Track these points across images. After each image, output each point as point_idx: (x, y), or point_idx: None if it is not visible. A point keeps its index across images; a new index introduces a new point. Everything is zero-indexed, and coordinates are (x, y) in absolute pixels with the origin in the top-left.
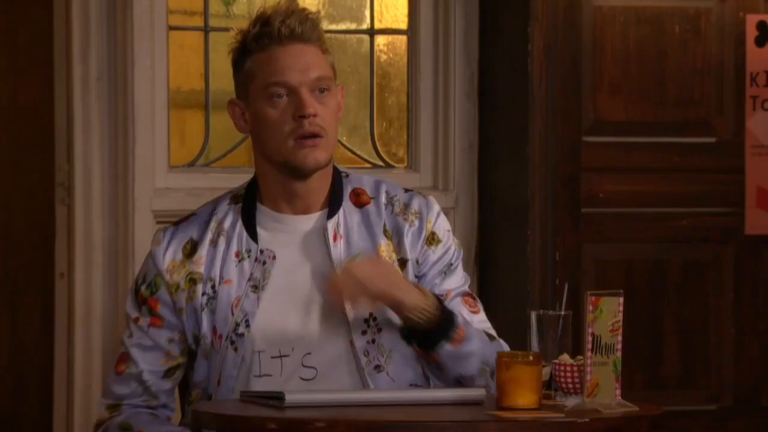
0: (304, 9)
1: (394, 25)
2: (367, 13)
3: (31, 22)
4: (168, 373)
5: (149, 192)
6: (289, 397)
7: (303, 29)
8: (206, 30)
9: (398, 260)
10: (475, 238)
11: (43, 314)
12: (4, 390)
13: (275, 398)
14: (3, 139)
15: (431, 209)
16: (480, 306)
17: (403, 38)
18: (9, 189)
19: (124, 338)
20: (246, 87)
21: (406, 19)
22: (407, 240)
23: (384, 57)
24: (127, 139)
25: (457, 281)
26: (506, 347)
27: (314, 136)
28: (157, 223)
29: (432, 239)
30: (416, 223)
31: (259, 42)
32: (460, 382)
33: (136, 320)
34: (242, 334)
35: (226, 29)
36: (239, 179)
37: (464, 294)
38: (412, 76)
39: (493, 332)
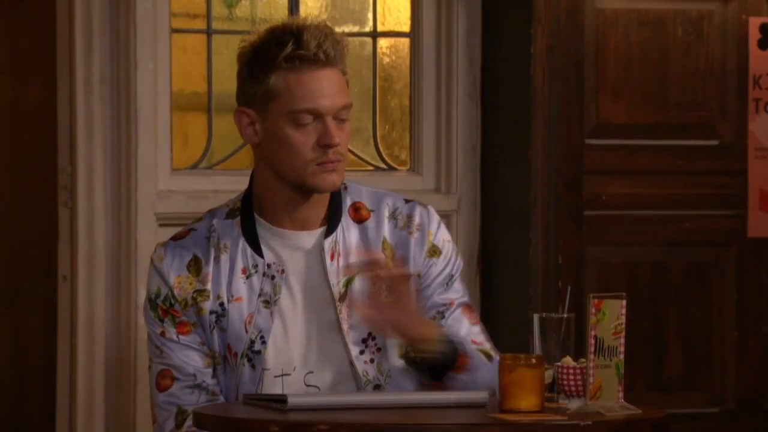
0: (332, 30)
1: (397, 28)
2: (370, 15)
3: (33, 24)
4: (214, 373)
5: (152, 195)
6: (292, 400)
7: (335, 53)
8: (209, 33)
9: None
10: (477, 241)
11: (45, 317)
12: (6, 393)
13: (278, 401)
14: (6, 141)
15: (432, 220)
16: (477, 317)
17: (406, 41)
18: (12, 191)
19: (155, 358)
20: (265, 101)
21: (408, 22)
22: (411, 253)
23: (387, 59)
24: (129, 141)
25: (459, 291)
26: None
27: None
28: (160, 225)
29: (433, 251)
30: (417, 235)
31: (289, 63)
32: None
33: (163, 333)
34: (259, 351)
35: (229, 32)
36: (242, 182)
37: (464, 305)
38: (415, 78)
39: (489, 346)
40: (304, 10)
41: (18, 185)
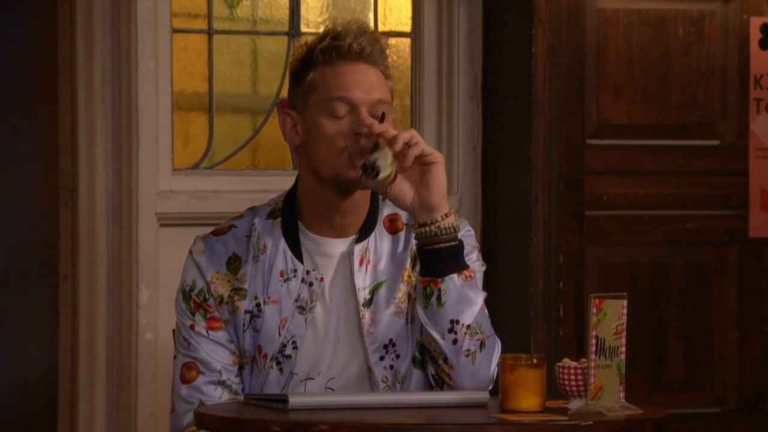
0: (375, 31)
1: (398, 28)
2: (371, 15)
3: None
4: (238, 372)
5: (153, 195)
6: (293, 400)
7: (372, 50)
8: (210, 33)
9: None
10: (478, 240)
11: (46, 317)
12: (7, 392)
13: (279, 401)
14: (7, 141)
15: (461, 228)
16: None
17: (407, 41)
18: (13, 191)
19: (182, 349)
20: (305, 98)
21: (409, 22)
22: None
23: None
24: (130, 141)
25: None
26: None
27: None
28: (161, 226)
29: None
30: None
31: (326, 55)
32: (450, 329)
33: (192, 327)
34: (289, 356)
35: (230, 32)
36: (243, 182)
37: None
38: (416, 78)
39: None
40: (305, 10)
41: (19, 185)
